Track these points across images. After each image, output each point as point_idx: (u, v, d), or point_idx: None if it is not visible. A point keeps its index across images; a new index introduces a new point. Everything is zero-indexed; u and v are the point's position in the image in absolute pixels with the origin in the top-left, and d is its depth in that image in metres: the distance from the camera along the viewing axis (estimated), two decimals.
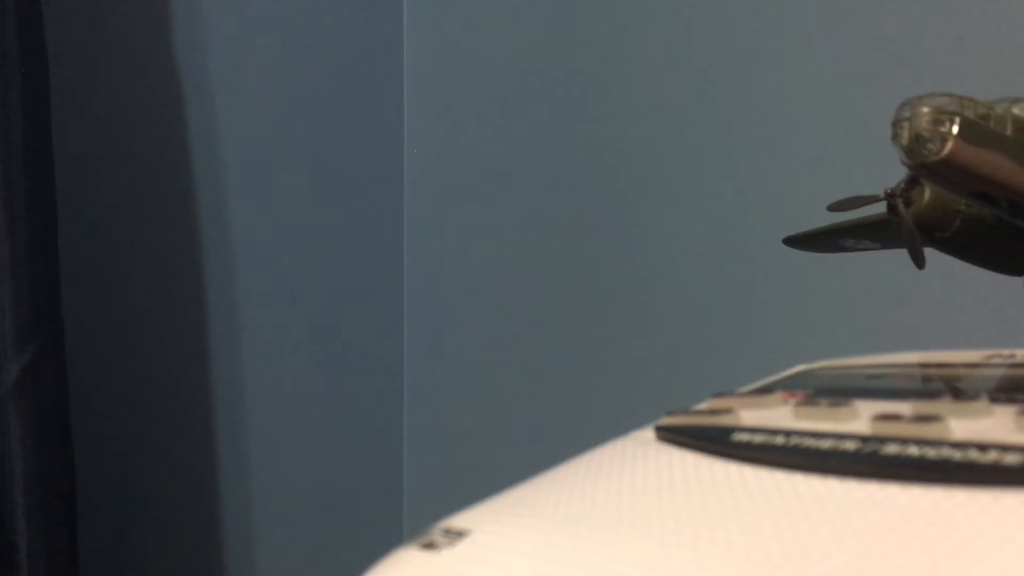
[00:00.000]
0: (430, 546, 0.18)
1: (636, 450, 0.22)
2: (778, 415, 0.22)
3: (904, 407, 0.19)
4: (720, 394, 0.25)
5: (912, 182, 0.36)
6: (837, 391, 0.24)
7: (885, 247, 0.42)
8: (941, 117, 0.30)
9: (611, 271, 0.90)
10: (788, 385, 0.27)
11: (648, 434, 0.23)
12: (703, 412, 0.22)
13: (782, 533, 0.15)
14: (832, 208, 0.40)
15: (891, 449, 0.17)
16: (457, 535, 0.18)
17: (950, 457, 0.17)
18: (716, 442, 0.20)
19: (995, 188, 0.31)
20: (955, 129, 0.30)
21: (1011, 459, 0.16)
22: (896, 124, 0.31)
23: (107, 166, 0.94)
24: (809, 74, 0.75)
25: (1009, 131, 0.31)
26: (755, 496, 0.17)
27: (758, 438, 0.20)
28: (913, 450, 0.17)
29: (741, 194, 0.79)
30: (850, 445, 0.18)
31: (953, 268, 0.40)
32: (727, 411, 0.22)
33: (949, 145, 0.30)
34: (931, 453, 0.17)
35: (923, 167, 0.31)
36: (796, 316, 0.75)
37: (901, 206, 0.36)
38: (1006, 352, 0.29)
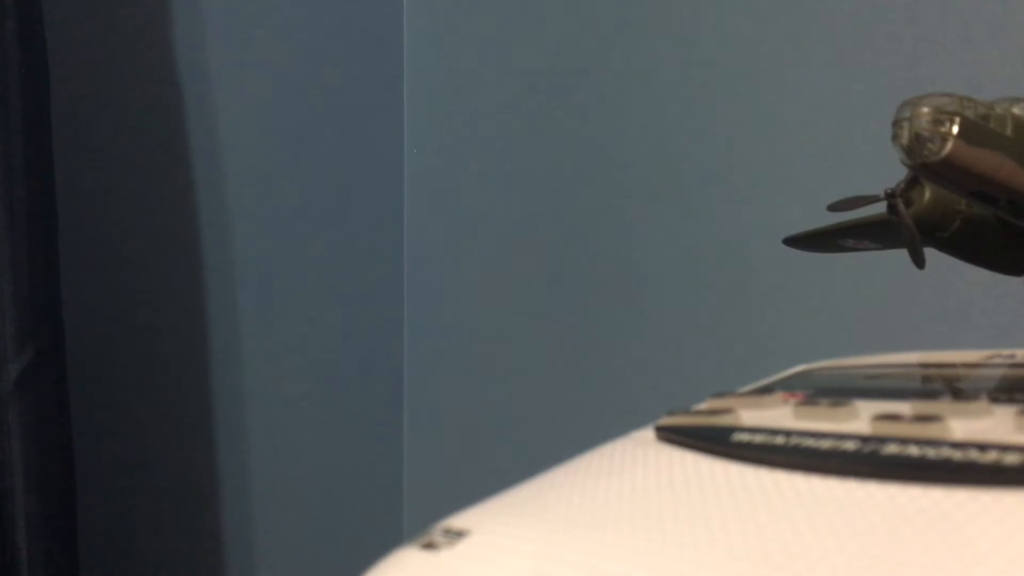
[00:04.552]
0: (430, 546, 0.18)
1: (636, 450, 0.22)
2: (778, 415, 0.22)
3: (904, 407, 0.19)
4: (720, 394, 0.25)
5: (912, 182, 0.36)
6: (837, 391, 0.24)
7: (885, 247, 0.42)
8: (941, 117, 0.30)
9: (611, 271, 0.90)
10: (788, 385, 0.27)
11: (648, 434, 0.23)
12: (703, 412, 0.22)
13: (782, 533, 0.15)
14: (832, 208, 0.40)
15: (891, 449, 0.17)
16: (457, 535, 0.18)
17: (950, 457, 0.17)
18: (716, 442, 0.20)
19: (995, 188, 0.31)
20: (955, 129, 0.30)
21: (1011, 459, 0.16)
22: (896, 124, 0.31)
23: (107, 166, 0.94)
24: (809, 74, 0.75)
25: (1009, 131, 0.31)
26: (755, 496, 0.17)
27: (758, 438, 0.20)
28: (913, 450, 0.17)
29: (741, 194, 0.79)
30: (850, 445, 0.18)
31: (953, 268, 0.40)
32: (727, 411, 0.22)
33: (949, 145, 0.30)
34: (931, 453, 0.17)
35: (923, 167, 0.31)
36: (796, 316, 0.75)
37: (901, 206, 0.36)
38: (1006, 352, 0.29)
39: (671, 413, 0.23)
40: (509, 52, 1.01)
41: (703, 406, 0.24)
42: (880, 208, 0.38)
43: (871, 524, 0.15)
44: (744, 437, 0.20)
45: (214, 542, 1.00)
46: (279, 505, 1.03)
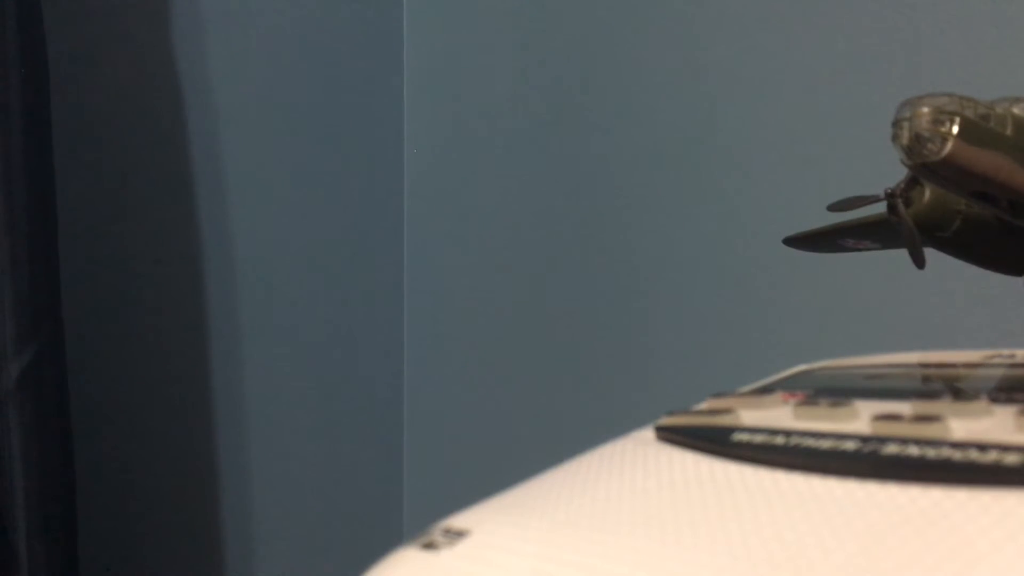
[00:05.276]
0: (430, 546, 0.18)
1: (636, 450, 0.22)
2: (778, 415, 0.22)
3: (904, 407, 0.19)
4: (720, 394, 0.25)
5: (912, 182, 0.36)
6: (837, 391, 0.24)
7: (885, 247, 0.42)
8: (941, 117, 0.30)
9: (611, 271, 0.90)
10: (788, 385, 0.27)
11: (648, 434, 0.23)
12: (703, 412, 0.22)
13: (782, 533, 0.15)
14: (832, 208, 0.40)
15: (891, 449, 0.17)
16: (457, 535, 0.18)
17: (950, 457, 0.17)
18: (716, 442, 0.20)
19: (995, 188, 0.31)
20: (955, 129, 0.30)
21: (1011, 459, 0.16)
22: (896, 124, 0.31)
23: (107, 166, 0.94)
24: (809, 74, 0.75)
25: (1009, 131, 0.31)
26: (755, 496, 0.17)
27: (758, 438, 0.20)
28: (913, 450, 0.17)
29: (741, 194, 0.79)
30: (850, 445, 0.18)
31: (953, 268, 0.40)
32: (727, 411, 0.22)
33: (949, 145, 0.30)
34: (931, 453, 0.17)
35: (923, 167, 0.31)
36: (796, 316, 0.75)
37: (901, 206, 0.36)
38: (1006, 352, 0.29)
39: (671, 413, 0.23)
40: (509, 52, 1.01)
41: (703, 406, 0.24)
42: (880, 208, 0.38)
43: (871, 524, 0.15)
44: (744, 437, 0.20)
45: (214, 542, 1.00)
46: (279, 505, 1.03)
